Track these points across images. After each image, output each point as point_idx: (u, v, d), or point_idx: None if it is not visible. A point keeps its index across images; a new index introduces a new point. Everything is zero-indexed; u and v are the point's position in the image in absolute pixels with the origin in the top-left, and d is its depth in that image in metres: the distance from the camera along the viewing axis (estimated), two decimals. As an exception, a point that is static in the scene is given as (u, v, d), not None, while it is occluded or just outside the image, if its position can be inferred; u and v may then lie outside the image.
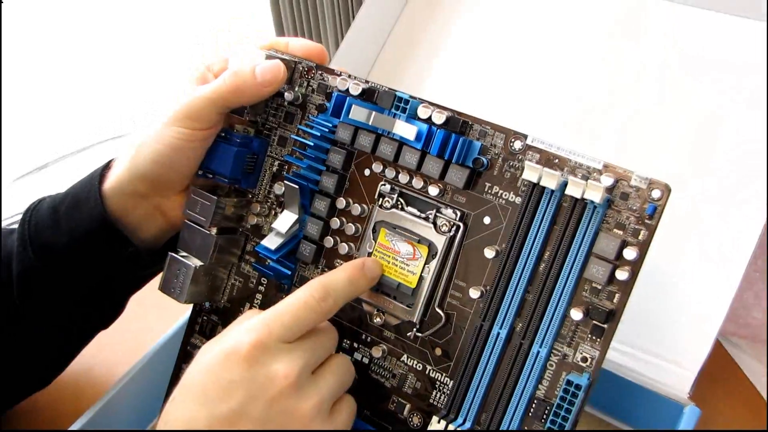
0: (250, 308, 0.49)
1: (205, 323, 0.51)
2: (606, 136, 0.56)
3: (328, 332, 0.42)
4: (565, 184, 0.39)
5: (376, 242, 0.45)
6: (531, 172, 0.39)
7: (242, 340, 0.37)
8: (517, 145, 0.41)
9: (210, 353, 0.38)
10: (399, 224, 0.45)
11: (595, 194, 0.37)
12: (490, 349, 0.41)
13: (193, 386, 0.36)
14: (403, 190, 0.45)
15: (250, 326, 0.38)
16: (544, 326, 0.40)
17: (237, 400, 0.35)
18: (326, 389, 0.39)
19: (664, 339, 0.52)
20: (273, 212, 0.49)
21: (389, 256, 0.45)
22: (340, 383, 0.40)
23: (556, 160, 0.40)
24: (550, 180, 0.39)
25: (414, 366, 0.44)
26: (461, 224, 0.43)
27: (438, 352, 0.44)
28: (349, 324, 0.47)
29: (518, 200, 0.41)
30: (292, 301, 0.40)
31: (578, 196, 0.38)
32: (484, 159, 0.42)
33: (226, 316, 0.50)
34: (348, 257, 0.47)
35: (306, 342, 0.39)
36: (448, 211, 0.43)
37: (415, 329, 0.44)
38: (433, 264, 0.44)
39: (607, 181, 0.38)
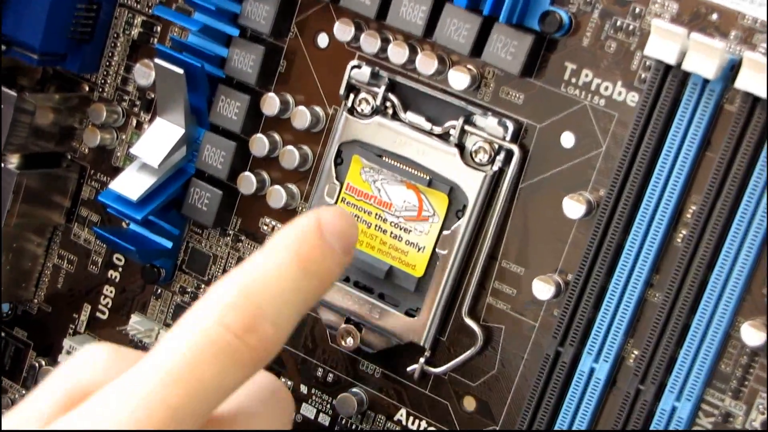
0: (93, 313, 0.48)
1: (3, 346, 0.51)
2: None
3: (273, 397, 0.39)
4: (732, 67, 0.38)
5: (343, 185, 0.45)
6: (660, 42, 0.38)
7: None
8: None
9: None
10: (389, 149, 0.45)
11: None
12: (576, 402, 0.42)
13: None
14: (397, 79, 0.45)
15: (107, 399, 0.34)
16: (685, 358, 0.40)
17: None
18: None
19: None
20: (133, 122, 0.49)
21: (370, 214, 0.44)
22: None
23: (714, 16, 0.40)
24: (701, 58, 0.38)
25: (422, 432, 0.46)
26: (516, 148, 0.43)
27: (470, 404, 0.44)
28: (291, 349, 0.47)
29: (633, 99, 0.41)
30: (184, 344, 0.35)
31: (762, 92, 0.38)
32: (562, 13, 0.42)
33: (44, 330, 0.49)
34: (286, 215, 0.47)
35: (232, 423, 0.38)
36: (490, 122, 0.43)
37: (423, 360, 0.44)
38: (460, 229, 0.43)
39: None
